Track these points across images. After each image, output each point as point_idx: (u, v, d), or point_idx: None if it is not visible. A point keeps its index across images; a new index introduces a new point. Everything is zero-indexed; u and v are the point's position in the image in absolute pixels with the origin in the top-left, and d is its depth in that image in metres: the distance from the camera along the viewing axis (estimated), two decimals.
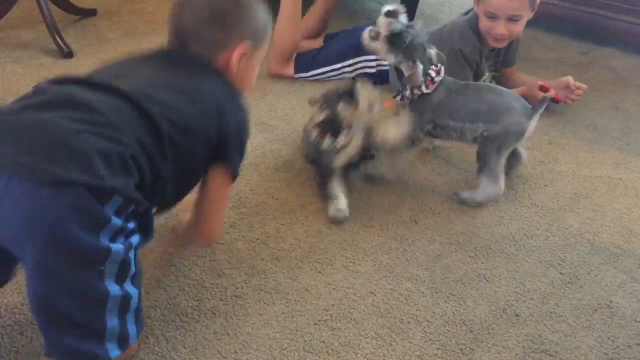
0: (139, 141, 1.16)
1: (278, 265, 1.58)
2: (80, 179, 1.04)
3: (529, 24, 2.23)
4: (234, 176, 1.43)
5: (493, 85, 1.96)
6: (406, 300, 1.50)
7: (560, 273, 1.60)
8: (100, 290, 1.12)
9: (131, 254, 1.18)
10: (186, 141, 1.26)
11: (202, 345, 1.35)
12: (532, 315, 1.47)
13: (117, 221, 1.11)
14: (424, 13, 3.35)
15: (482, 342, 1.39)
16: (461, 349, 1.37)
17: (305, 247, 1.65)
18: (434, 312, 1.46)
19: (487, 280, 1.56)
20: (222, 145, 1.36)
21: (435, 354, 1.36)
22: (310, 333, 1.39)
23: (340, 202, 1.76)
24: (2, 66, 2.57)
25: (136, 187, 1.15)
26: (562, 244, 1.70)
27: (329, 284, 1.53)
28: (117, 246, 1.12)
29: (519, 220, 1.79)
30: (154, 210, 1.33)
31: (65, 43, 2.64)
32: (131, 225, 1.17)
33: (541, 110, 1.78)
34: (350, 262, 1.61)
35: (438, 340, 1.39)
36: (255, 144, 2.10)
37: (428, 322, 1.44)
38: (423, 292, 1.52)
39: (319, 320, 1.43)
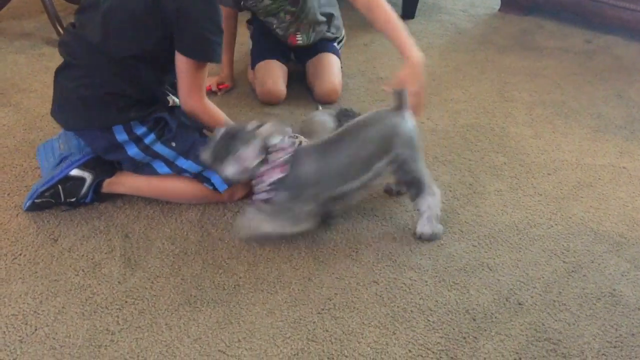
0: (110, 76, 1.58)
1: (280, 254, 1.58)
2: (77, 125, 1.66)
3: (533, 10, 2.21)
4: (200, 62, 1.60)
5: (351, 125, 1.59)
6: (409, 289, 1.50)
7: (564, 262, 1.60)
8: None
9: (157, 147, 1.65)
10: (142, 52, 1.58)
11: (205, 334, 1.35)
12: (536, 304, 1.46)
13: (124, 137, 1.62)
14: (427, 2, 3.33)
15: (485, 330, 1.39)
16: (464, 338, 1.37)
17: (308, 236, 1.64)
18: (437, 301, 1.46)
19: (490, 269, 1.56)
20: (179, 35, 1.56)
21: (439, 343, 1.36)
22: (314, 322, 1.40)
23: None
24: (4, 56, 2.57)
25: (131, 102, 1.60)
26: (565, 233, 1.69)
27: (332, 273, 1.53)
28: (134, 150, 1.64)
29: (522, 209, 1.78)
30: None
31: None
32: (140, 131, 1.62)
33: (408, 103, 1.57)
34: (353, 251, 1.60)
35: (441, 329, 1.39)
36: None
37: (431, 310, 1.44)
38: (426, 281, 1.52)
39: (322, 309, 1.43)
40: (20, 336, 1.34)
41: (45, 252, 1.57)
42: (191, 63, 1.58)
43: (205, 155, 1.53)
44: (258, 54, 2.34)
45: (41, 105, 2.21)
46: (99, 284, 1.48)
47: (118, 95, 1.59)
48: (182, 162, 1.67)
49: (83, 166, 1.68)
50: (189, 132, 1.71)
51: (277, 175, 1.50)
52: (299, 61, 2.41)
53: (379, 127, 1.55)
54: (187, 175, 1.69)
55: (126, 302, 1.43)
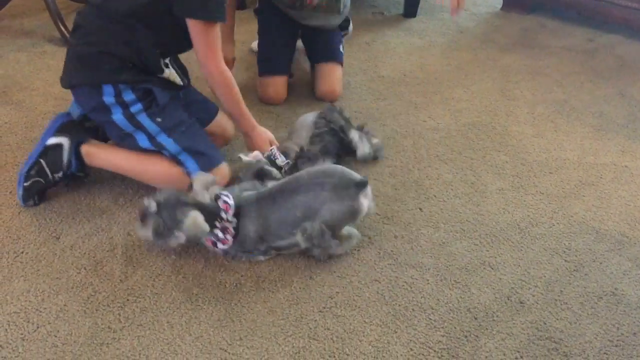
0: (107, 36, 1.62)
1: (281, 253, 1.58)
2: (71, 81, 1.69)
3: (535, 9, 2.21)
4: (207, 23, 1.62)
5: (290, 179, 1.59)
6: (410, 287, 1.50)
7: (565, 261, 1.60)
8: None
9: (141, 118, 1.66)
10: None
11: (207, 332, 1.35)
12: (537, 303, 1.46)
13: (111, 99, 1.64)
14: (428, 1, 3.32)
15: (486, 329, 1.39)
16: (466, 336, 1.37)
17: None
18: (438, 300, 1.46)
19: (491, 268, 1.56)
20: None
21: (440, 341, 1.36)
22: (315, 320, 1.40)
23: None
24: (6, 54, 2.57)
25: (123, 65, 1.62)
26: (567, 232, 1.69)
27: (334, 271, 1.53)
28: (119, 116, 1.66)
29: (523, 207, 1.78)
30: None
31: (68, 30, 2.64)
32: (128, 97, 1.64)
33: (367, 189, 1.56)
34: (355, 249, 1.60)
35: (442, 328, 1.39)
36: None
37: (432, 309, 1.44)
38: (427, 280, 1.52)
39: (324, 308, 1.43)
40: (22, 334, 1.34)
41: (47, 249, 1.57)
42: (199, 25, 1.61)
43: (145, 232, 1.48)
44: (264, 61, 2.33)
45: (43, 103, 2.21)
46: (101, 282, 1.48)
47: (111, 54, 1.61)
48: (164, 139, 1.68)
49: (57, 132, 1.70)
50: (177, 110, 1.72)
51: (228, 241, 1.51)
52: (305, 42, 2.44)
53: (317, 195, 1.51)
54: (166, 153, 1.68)
55: (128, 300, 1.44)
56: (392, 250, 1.61)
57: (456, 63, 2.66)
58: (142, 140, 1.68)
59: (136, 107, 1.66)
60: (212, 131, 1.93)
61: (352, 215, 1.54)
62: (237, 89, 1.77)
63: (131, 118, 1.66)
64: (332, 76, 2.34)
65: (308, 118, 1.94)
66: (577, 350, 1.35)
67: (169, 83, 1.74)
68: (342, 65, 2.38)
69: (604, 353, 1.34)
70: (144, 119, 1.67)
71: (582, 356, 1.33)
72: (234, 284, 1.48)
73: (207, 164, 1.70)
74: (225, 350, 1.31)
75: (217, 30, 1.65)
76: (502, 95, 2.39)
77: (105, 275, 1.50)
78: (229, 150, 1.99)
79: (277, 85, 2.30)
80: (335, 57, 2.36)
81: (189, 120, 1.73)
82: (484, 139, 2.10)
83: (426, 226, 1.69)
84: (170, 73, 1.74)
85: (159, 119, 1.68)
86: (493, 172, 1.93)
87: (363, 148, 1.92)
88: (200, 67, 1.69)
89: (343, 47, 2.42)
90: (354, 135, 1.91)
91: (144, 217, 1.47)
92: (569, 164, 1.98)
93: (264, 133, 1.87)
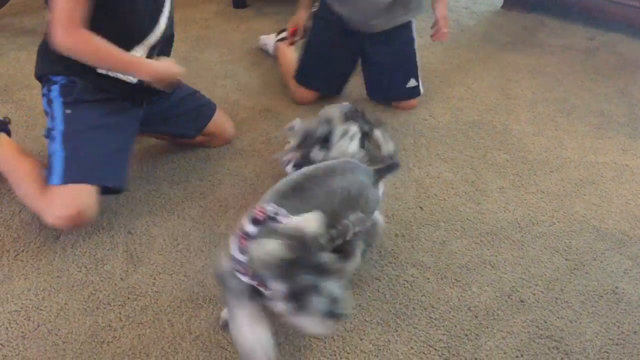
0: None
1: None
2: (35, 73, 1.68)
3: (536, 7, 2.21)
4: None
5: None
6: (411, 286, 1.50)
7: (566, 259, 1.59)
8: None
9: (55, 104, 1.61)
10: None
11: (207, 331, 1.35)
12: (538, 301, 1.46)
13: (45, 91, 1.64)
14: None
15: (487, 327, 1.39)
16: (466, 335, 1.37)
17: None
18: (439, 298, 1.46)
19: (492, 267, 1.56)
20: None
21: (440, 340, 1.36)
22: None
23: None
24: (6, 53, 2.56)
25: (61, 57, 1.52)
26: (567, 230, 1.69)
27: None
28: (44, 99, 1.64)
29: (524, 206, 1.78)
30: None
31: None
32: (56, 78, 1.61)
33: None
34: None
35: (443, 326, 1.39)
36: (260, 130, 2.09)
37: (433, 308, 1.44)
38: (428, 278, 1.52)
39: None
40: (22, 332, 1.34)
41: (47, 248, 1.57)
42: None
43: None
44: (303, 73, 2.23)
45: None
46: (102, 281, 1.48)
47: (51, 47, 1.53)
48: (56, 135, 1.58)
49: None
50: (92, 113, 1.61)
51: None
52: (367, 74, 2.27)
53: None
54: (49, 150, 1.58)
55: (128, 298, 1.44)
56: (392, 249, 1.61)
57: (457, 61, 2.66)
58: (47, 129, 1.62)
59: (55, 90, 1.61)
60: (211, 132, 1.92)
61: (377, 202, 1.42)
62: (98, 46, 1.51)
63: (50, 103, 1.63)
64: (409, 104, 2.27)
65: (334, 111, 1.86)
66: (578, 348, 1.35)
67: (111, 81, 1.63)
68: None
69: (605, 352, 1.34)
70: (56, 104, 1.61)
71: (582, 354, 1.33)
72: None
73: (74, 178, 1.53)
74: (226, 349, 1.32)
75: None
76: (502, 94, 2.39)
77: (105, 273, 1.50)
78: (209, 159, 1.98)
79: (309, 96, 2.25)
80: (412, 94, 2.25)
81: (98, 131, 1.60)
82: (485, 137, 2.10)
83: (427, 225, 1.69)
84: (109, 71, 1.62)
85: (68, 111, 1.60)
86: (494, 170, 1.93)
87: (387, 146, 1.89)
88: (55, 45, 1.51)
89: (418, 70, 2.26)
90: (378, 133, 1.87)
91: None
92: (570, 163, 1.98)
93: (163, 61, 1.67)
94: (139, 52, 1.64)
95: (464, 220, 1.72)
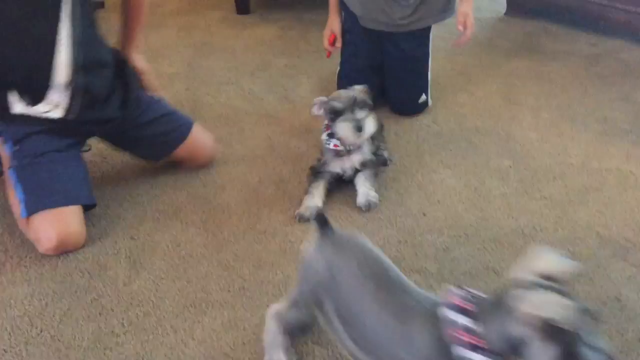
0: None
1: (286, 257, 1.58)
2: None
3: (539, 14, 2.21)
4: None
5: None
6: None
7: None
8: None
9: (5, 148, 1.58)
10: None
11: (210, 338, 1.35)
12: None
13: None
14: None
15: None
16: None
17: (312, 238, 1.64)
18: None
19: (495, 273, 1.56)
20: None
21: None
22: (319, 324, 1.39)
23: (313, 200, 1.73)
24: None
25: None
26: (571, 237, 1.69)
27: None
28: None
29: (528, 213, 1.78)
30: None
31: None
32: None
33: None
34: None
35: None
36: (263, 136, 2.10)
37: None
38: (431, 285, 1.52)
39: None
40: (25, 338, 1.35)
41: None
42: None
43: None
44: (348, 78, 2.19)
45: None
46: (104, 286, 1.48)
47: None
48: (12, 172, 1.57)
49: None
50: (38, 142, 1.58)
51: None
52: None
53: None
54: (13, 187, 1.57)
55: (131, 304, 1.44)
56: (395, 255, 1.60)
57: (460, 68, 2.66)
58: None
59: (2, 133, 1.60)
60: (180, 156, 1.85)
61: None
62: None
63: (2, 142, 1.61)
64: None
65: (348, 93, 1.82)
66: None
67: (33, 120, 1.56)
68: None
69: None
70: (7, 145, 1.59)
71: None
72: (238, 289, 1.48)
73: (36, 207, 1.53)
74: (229, 355, 1.31)
75: None
76: (505, 100, 2.39)
77: (108, 279, 1.51)
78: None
79: None
80: (422, 108, 2.28)
81: (51, 155, 1.58)
82: (488, 143, 2.10)
83: (430, 231, 1.69)
84: (30, 109, 1.54)
85: (16, 147, 1.58)
86: (497, 177, 1.93)
87: (384, 153, 1.95)
88: None
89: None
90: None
91: None
92: (573, 169, 1.98)
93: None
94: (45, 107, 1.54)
95: (468, 227, 1.72)
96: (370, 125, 1.69)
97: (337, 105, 1.69)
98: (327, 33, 2.27)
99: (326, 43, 2.28)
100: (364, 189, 1.77)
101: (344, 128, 1.69)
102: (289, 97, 2.36)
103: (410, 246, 1.64)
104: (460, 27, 2.17)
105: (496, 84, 2.53)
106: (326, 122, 1.77)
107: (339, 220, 1.71)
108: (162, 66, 2.58)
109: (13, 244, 1.60)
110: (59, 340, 1.34)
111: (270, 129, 2.14)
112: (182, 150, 1.84)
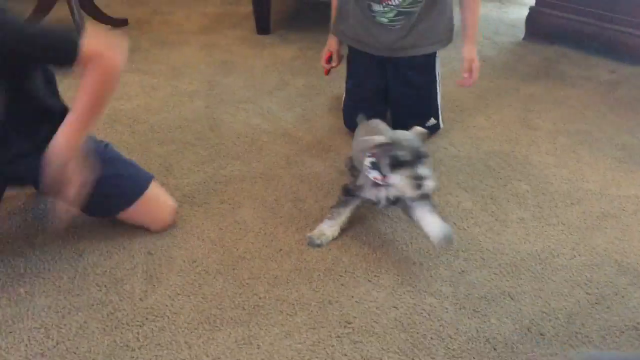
0: None
1: (300, 276, 1.58)
2: None
3: (558, 39, 2.21)
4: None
5: None
6: (429, 315, 1.49)
7: (587, 293, 1.57)
8: None
9: None
10: None
11: (224, 355, 1.35)
12: (558, 335, 1.44)
13: None
14: None
15: None
16: None
17: (328, 259, 1.64)
18: (457, 329, 1.45)
19: (511, 298, 1.55)
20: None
21: None
22: (333, 345, 1.39)
23: (331, 229, 1.70)
24: None
25: None
26: (588, 264, 1.67)
27: (352, 296, 1.53)
28: None
29: (545, 238, 1.77)
30: None
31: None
32: None
33: None
34: (375, 275, 1.60)
35: (461, 357, 1.38)
36: (281, 154, 2.11)
37: (451, 338, 1.42)
38: (446, 308, 1.51)
39: (342, 333, 1.42)
40: (41, 349, 1.36)
41: (69, 266, 1.59)
42: None
43: None
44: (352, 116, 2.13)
45: None
46: (121, 300, 1.49)
47: None
48: None
49: None
50: None
51: None
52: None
53: None
54: None
55: (147, 319, 1.44)
56: (410, 277, 1.60)
57: (478, 91, 2.66)
58: None
59: None
60: (123, 219, 1.69)
61: None
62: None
63: None
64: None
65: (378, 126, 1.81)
66: None
67: None
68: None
69: None
70: None
71: None
72: (253, 306, 1.49)
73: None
74: None
75: None
76: (523, 125, 2.39)
77: (125, 293, 1.52)
78: None
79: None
80: (431, 131, 2.16)
81: None
82: (505, 167, 2.10)
83: (445, 254, 1.69)
84: None
85: None
86: (514, 201, 1.92)
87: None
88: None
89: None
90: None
91: None
92: (591, 195, 1.97)
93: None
94: None
95: (484, 251, 1.71)
96: (430, 184, 1.52)
97: (402, 156, 1.52)
98: (324, 52, 2.28)
99: (322, 61, 2.30)
100: (434, 220, 1.60)
101: (404, 183, 1.52)
102: (306, 116, 2.38)
103: (425, 268, 1.63)
104: (466, 75, 2.12)
105: (514, 108, 2.53)
106: (372, 154, 1.62)
107: (351, 236, 1.72)
108: (182, 84, 2.61)
109: (33, 255, 1.62)
110: (74, 352, 1.35)
111: (288, 147, 2.16)
112: (125, 216, 1.67)
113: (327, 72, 2.34)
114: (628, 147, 2.26)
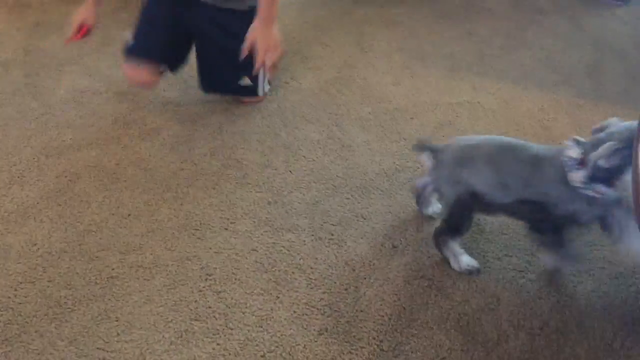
0: None
1: (154, 238, 1.53)
2: None
3: None
4: None
5: None
6: (289, 251, 1.50)
7: None
8: None
9: None
10: None
11: (81, 334, 1.29)
12: (409, 245, 1.52)
13: None
14: None
15: (365, 278, 1.43)
16: (346, 289, 1.41)
17: (181, 215, 1.60)
18: (316, 259, 1.48)
19: (364, 219, 1.60)
20: None
21: (322, 298, 1.38)
22: (195, 301, 1.37)
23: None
24: None
25: None
26: None
27: (210, 248, 1.50)
28: None
29: (390, 156, 1.83)
30: None
31: None
32: None
33: None
34: (231, 222, 1.58)
35: (323, 285, 1.41)
36: (117, 115, 1.99)
37: (312, 269, 1.45)
38: (304, 241, 1.53)
39: (203, 287, 1.40)
40: None
41: None
42: None
43: None
44: (138, 45, 1.91)
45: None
46: None
47: None
48: None
49: None
50: None
51: None
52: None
53: None
54: None
55: None
56: (267, 217, 1.60)
57: (313, 20, 2.65)
58: None
59: None
60: None
61: None
62: None
63: None
64: None
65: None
66: (449, 283, 1.42)
67: None
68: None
69: (473, 281, 1.43)
70: None
71: (453, 287, 1.41)
72: (106, 279, 1.42)
73: None
74: (103, 349, 1.26)
75: None
76: (359, 48, 2.42)
77: None
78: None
79: (144, 74, 1.92)
80: (247, 93, 2.00)
81: None
82: (347, 93, 2.13)
83: (298, 188, 1.70)
84: None
85: None
86: (358, 125, 1.96)
87: None
88: None
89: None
90: None
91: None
92: (427, 107, 2.05)
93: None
94: None
95: (335, 178, 1.74)
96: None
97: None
98: (76, 21, 1.90)
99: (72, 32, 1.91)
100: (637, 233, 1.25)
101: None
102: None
103: (280, 206, 1.64)
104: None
105: (349, 33, 2.55)
106: (579, 154, 1.28)
107: (201, 188, 1.67)
108: None
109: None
110: None
111: (123, 106, 2.03)
112: None
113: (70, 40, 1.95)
114: (456, 55, 2.37)
